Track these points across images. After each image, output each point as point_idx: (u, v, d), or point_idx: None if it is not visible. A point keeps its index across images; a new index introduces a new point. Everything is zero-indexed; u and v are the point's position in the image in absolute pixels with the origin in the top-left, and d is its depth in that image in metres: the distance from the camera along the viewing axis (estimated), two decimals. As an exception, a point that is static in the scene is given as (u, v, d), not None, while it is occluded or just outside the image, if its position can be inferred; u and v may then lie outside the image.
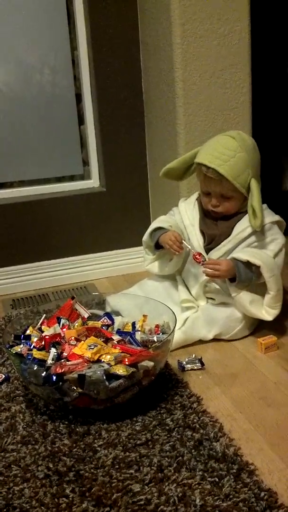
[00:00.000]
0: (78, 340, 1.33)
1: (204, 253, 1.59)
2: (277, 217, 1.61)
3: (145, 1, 1.90)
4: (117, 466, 1.12)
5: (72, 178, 2.16)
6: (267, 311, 1.56)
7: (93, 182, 2.15)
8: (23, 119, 2.04)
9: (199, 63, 1.74)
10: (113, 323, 1.48)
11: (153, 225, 1.69)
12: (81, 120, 2.12)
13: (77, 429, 1.24)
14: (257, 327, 1.66)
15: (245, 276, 1.53)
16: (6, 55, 1.98)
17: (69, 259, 2.12)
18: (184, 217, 1.68)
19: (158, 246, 1.66)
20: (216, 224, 1.63)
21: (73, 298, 1.51)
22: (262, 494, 1.02)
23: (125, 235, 2.16)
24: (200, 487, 1.05)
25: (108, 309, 1.63)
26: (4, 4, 1.93)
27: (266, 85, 2.45)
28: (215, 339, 1.60)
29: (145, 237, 1.72)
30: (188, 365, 1.47)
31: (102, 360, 1.25)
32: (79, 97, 2.09)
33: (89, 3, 1.93)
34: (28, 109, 2.04)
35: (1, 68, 1.99)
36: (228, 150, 1.52)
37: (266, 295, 1.55)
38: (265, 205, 1.62)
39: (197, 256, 1.55)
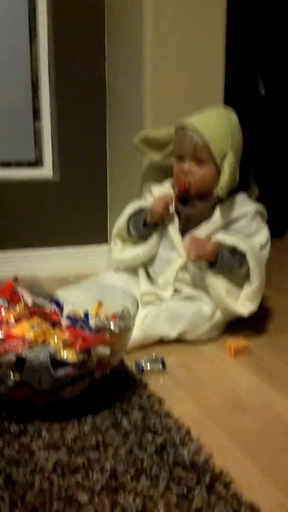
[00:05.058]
0: (18, 320, 1.10)
1: (179, 236, 1.47)
2: (260, 207, 1.49)
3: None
4: (59, 471, 0.88)
5: (21, 164, 1.96)
6: (243, 305, 1.40)
7: (46, 171, 1.95)
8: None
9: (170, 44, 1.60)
10: (62, 311, 1.26)
11: (129, 209, 1.56)
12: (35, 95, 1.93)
13: (11, 428, 1.00)
14: (224, 331, 1.48)
15: (227, 262, 1.39)
16: None
17: (13, 253, 1.90)
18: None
19: (145, 225, 1.52)
20: (192, 204, 1.48)
21: (15, 279, 1.28)
22: (243, 509, 0.81)
23: (78, 232, 1.97)
24: (164, 498, 0.83)
25: (57, 302, 1.41)
26: None
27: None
28: (178, 342, 1.40)
29: (120, 223, 1.56)
30: (148, 366, 1.26)
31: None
32: (34, 73, 1.91)
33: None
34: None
35: None
36: (212, 112, 1.47)
37: (246, 286, 1.41)
38: (245, 194, 1.50)
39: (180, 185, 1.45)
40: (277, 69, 2.55)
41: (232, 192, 1.47)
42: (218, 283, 1.41)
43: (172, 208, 1.49)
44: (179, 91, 1.64)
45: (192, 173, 1.44)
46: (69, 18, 1.84)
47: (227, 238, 1.40)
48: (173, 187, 1.52)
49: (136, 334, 1.31)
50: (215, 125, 1.43)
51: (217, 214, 1.45)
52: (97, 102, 1.92)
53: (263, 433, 1.04)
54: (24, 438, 0.97)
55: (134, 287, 1.50)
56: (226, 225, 1.45)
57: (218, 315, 1.43)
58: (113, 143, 1.92)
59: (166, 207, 1.46)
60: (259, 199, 1.55)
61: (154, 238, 1.49)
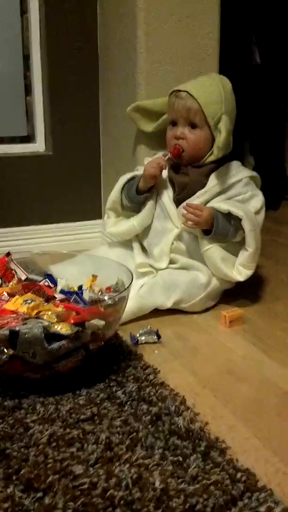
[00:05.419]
0: (11, 295, 1.09)
1: (174, 206, 1.45)
2: (254, 173, 1.48)
3: None
4: (54, 444, 0.88)
5: (14, 139, 1.92)
6: (239, 271, 1.39)
7: (38, 146, 1.92)
8: None
9: (164, 7, 1.56)
10: (55, 285, 1.25)
11: (121, 180, 1.53)
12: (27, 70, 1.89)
13: (6, 403, 1.00)
14: (219, 301, 1.47)
15: (222, 229, 1.38)
16: None
17: (6, 229, 1.87)
18: None
19: (137, 191, 1.49)
20: (186, 172, 1.45)
21: (8, 254, 1.27)
22: (239, 475, 0.81)
23: (72, 206, 1.94)
24: (159, 468, 0.83)
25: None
26: None
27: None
28: (172, 313, 1.40)
29: (114, 195, 1.53)
30: (142, 337, 1.25)
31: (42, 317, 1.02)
32: (26, 48, 1.86)
33: None
34: None
35: None
36: (206, 78, 1.46)
37: (242, 252, 1.39)
38: (239, 162, 1.48)
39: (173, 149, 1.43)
40: (273, 36, 2.49)
41: (225, 160, 1.46)
42: (213, 251, 1.40)
43: (165, 172, 1.46)
44: (173, 60, 1.60)
45: (185, 137, 1.43)
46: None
47: (222, 205, 1.39)
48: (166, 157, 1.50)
49: (132, 304, 1.30)
50: (208, 89, 1.42)
51: (211, 182, 1.43)
52: (89, 75, 1.88)
53: (258, 400, 1.04)
54: (18, 412, 0.97)
55: (128, 261, 1.48)
56: (220, 193, 1.43)
57: (214, 283, 1.42)
58: (106, 117, 1.88)
59: (159, 168, 1.43)
60: (254, 171, 1.53)
61: (147, 208, 1.47)
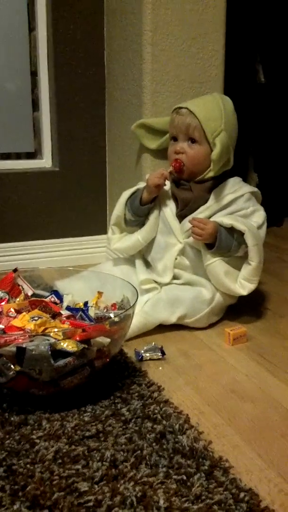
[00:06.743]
0: (18, 312, 1.10)
1: (177, 221, 1.47)
2: (255, 188, 1.50)
3: None
4: (59, 461, 0.89)
5: (20, 155, 1.95)
6: (243, 285, 1.41)
7: (45, 162, 1.94)
8: None
9: (170, 28, 1.58)
10: (61, 301, 1.26)
11: (125, 194, 1.54)
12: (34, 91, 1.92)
13: (12, 419, 1.01)
14: (223, 318, 1.48)
15: (225, 243, 1.40)
16: None
17: (13, 244, 1.89)
18: None
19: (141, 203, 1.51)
20: (189, 188, 1.48)
21: (15, 270, 1.28)
22: (242, 495, 0.82)
23: (78, 222, 1.96)
24: (163, 486, 0.84)
25: (57, 293, 1.41)
26: None
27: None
28: (176, 329, 1.41)
29: (118, 209, 1.54)
30: (147, 354, 1.26)
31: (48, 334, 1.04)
32: (33, 64, 1.90)
33: None
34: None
35: None
36: (207, 97, 1.50)
37: (245, 266, 1.41)
38: (239, 178, 1.50)
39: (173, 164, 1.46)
40: (277, 55, 2.52)
41: (226, 177, 1.48)
42: (216, 265, 1.41)
43: (167, 185, 1.49)
44: (178, 81, 1.63)
45: (185, 152, 1.45)
46: (68, 7, 1.82)
47: (225, 219, 1.41)
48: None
49: (136, 320, 1.32)
50: (209, 106, 1.45)
51: (213, 197, 1.46)
52: (96, 92, 1.91)
53: (262, 419, 1.05)
54: (24, 428, 0.98)
55: (133, 278, 1.50)
56: (222, 208, 1.46)
57: (218, 298, 1.43)
58: (112, 134, 1.91)
59: (163, 178, 1.45)
60: (258, 188, 1.55)
61: (150, 221, 1.49)
